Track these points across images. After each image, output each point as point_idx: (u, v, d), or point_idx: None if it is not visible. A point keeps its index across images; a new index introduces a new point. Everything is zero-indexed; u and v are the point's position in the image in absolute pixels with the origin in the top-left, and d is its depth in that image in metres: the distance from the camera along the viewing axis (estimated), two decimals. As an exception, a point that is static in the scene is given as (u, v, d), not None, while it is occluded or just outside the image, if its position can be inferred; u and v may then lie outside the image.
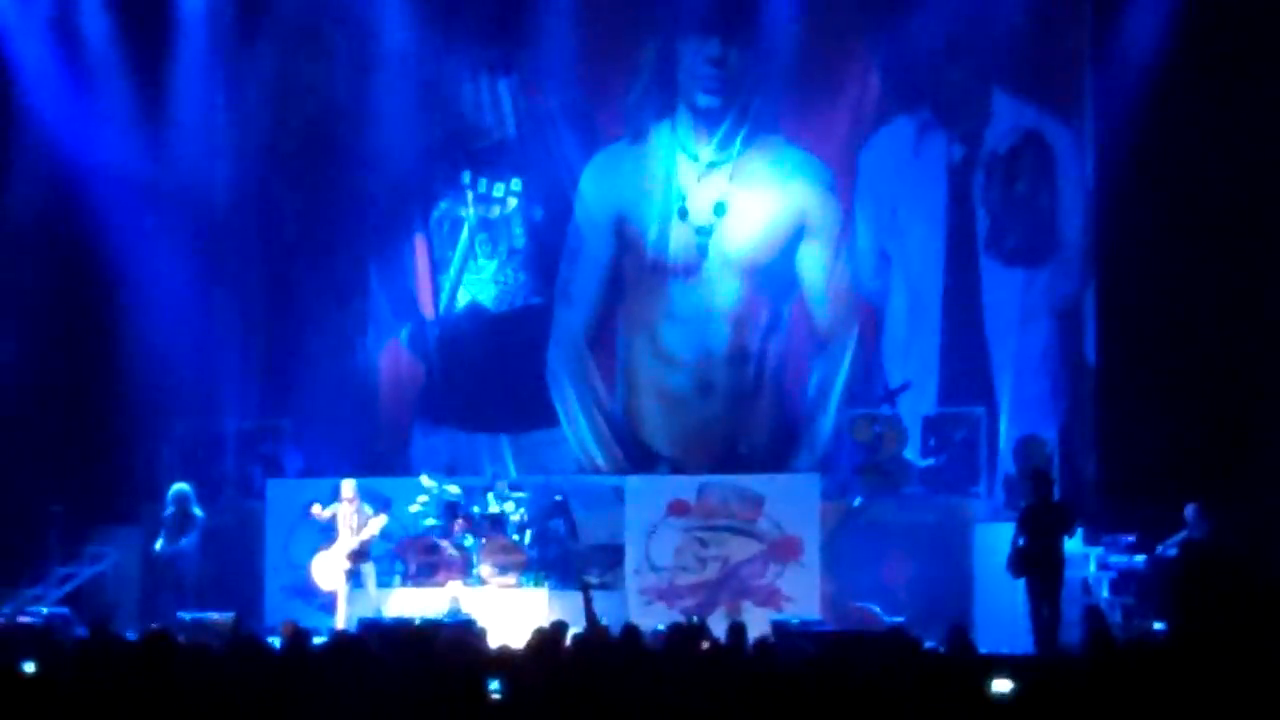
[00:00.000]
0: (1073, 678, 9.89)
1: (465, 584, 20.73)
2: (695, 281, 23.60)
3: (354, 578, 20.58)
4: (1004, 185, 22.70)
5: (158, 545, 21.23)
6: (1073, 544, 19.37)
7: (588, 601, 16.57)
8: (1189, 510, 18.66)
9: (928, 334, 22.76)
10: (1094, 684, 9.48)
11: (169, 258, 23.92)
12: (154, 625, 16.08)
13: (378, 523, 20.75)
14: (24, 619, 19.94)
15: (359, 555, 20.60)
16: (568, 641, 13.53)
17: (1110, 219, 21.55)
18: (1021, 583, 18.43)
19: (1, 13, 23.64)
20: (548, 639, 13.17)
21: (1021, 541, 18.34)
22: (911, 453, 21.87)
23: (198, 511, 21.28)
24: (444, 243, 24.61)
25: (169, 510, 21.41)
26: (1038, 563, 18.24)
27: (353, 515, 20.64)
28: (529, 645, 12.80)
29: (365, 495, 21.03)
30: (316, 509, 20.78)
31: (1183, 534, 18.86)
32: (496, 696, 10.41)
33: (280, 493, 22.70)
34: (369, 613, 19.97)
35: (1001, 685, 9.87)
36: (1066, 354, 22.12)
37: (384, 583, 20.92)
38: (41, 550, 22.12)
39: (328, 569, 20.67)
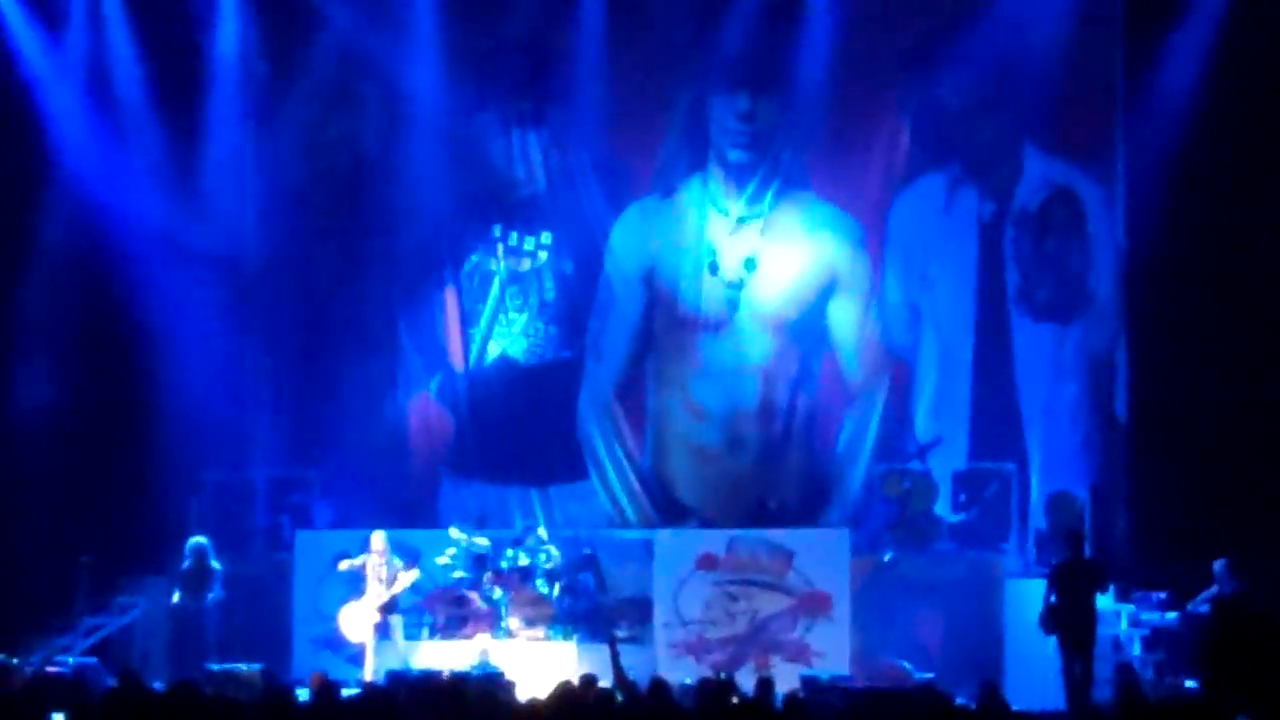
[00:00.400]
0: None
1: (493, 637, 20.69)
2: (725, 336, 23.60)
3: (382, 630, 20.58)
4: (1035, 241, 22.71)
5: (175, 598, 21.24)
6: (1104, 601, 19.35)
7: (615, 655, 16.52)
8: (1218, 566, 18.55)
9: (958, 389, 22.74)
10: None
11: (200, 308, 23.94)
12: (181, 677, 15.99)
13: (409, 577, 20.76)
14: (52, 669, 19.91)
15: (388, 608, 20.59)
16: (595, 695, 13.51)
17: (1141, 274, 21.53)
18: (1053, 640, 18.36)
19: (35, 64, 23.73)
20: (573, 693, 13.14)
21: (1054, 599, 18.29)
22: (942, 508, 21.83)
23: (215, 564, 21.27)
24: (474, 295, 24.62)
25: (186, 564, 21.41)
26: (1070, 620, 18.18)
27: (382, 567, 20.66)
28: (554, 698, 12.77)
29: (394, 547, 21.05)
30: (345, 563, 20.80)
31: (1213, 590, 18.76)
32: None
33: (309, 544, 22.67)
34: (396, 664, 19.94)
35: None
36: (1098, 409, 22.08)
37: (412, 635, 20.92)
38: (70, 600, 22.07)
39: (356, 621, 20.66)
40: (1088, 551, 19.09)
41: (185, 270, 24.03)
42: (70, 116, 23.94)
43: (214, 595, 21.05)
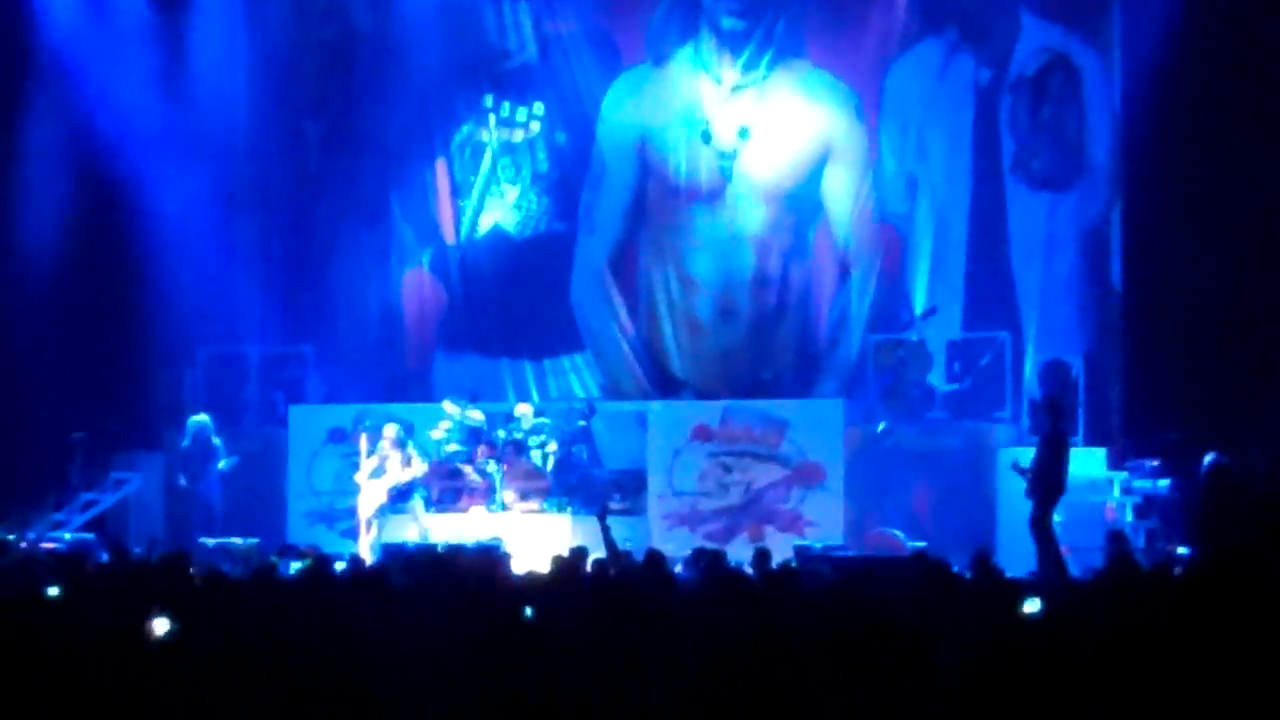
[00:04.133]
0: (1095, 600, 9.85)
1: (488, 510, 20.75)
2: (719, 206, 23.50)
3: (387, 509, 20.56)
4: (1031, 108, 22.56)
5: (181, 481, 21.35)
6: (1097, 468, 19.38)
7: (605, 529, 16.55)
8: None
9: (953, 258, 22.67)
10: (1116, 607, 9.44)
11: (190, 182, 23.81)
12: (172, 550, 16.03)
13: (423, 466, 20.76)
14: (48, 544, 19.98)
15: (401, 494, 20.59)
16: (588, 567, 13.55)
17: (1137, 143, 21.39)
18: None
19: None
20: (566, 565, 13.18)
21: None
22: (936, 378, 21.80)
23: (218, 442, 21.40)
24: (466, 167, 24.52)
25: (187, 442, 21.51)
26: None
27: (395, 454, 20.61)
28: (549, 571, 12.81)
29: (387, 420, 21.08)
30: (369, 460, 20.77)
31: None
32: (525, 620, 10.39)
33: (303, 418, 22.73)
34: (417, 537, 20.00)
35: (1031, 606, 10.00)
36: (1092, 279, 22.01)
37: (400, 509, 20.87)
38: (65, 476, 22.15)
39: (369, 499, 20.65)
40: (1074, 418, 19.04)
41: (176, 146, 23.86)
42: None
43: (214, 470, 21.18)
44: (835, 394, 22.38)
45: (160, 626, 9.68)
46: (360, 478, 20.67)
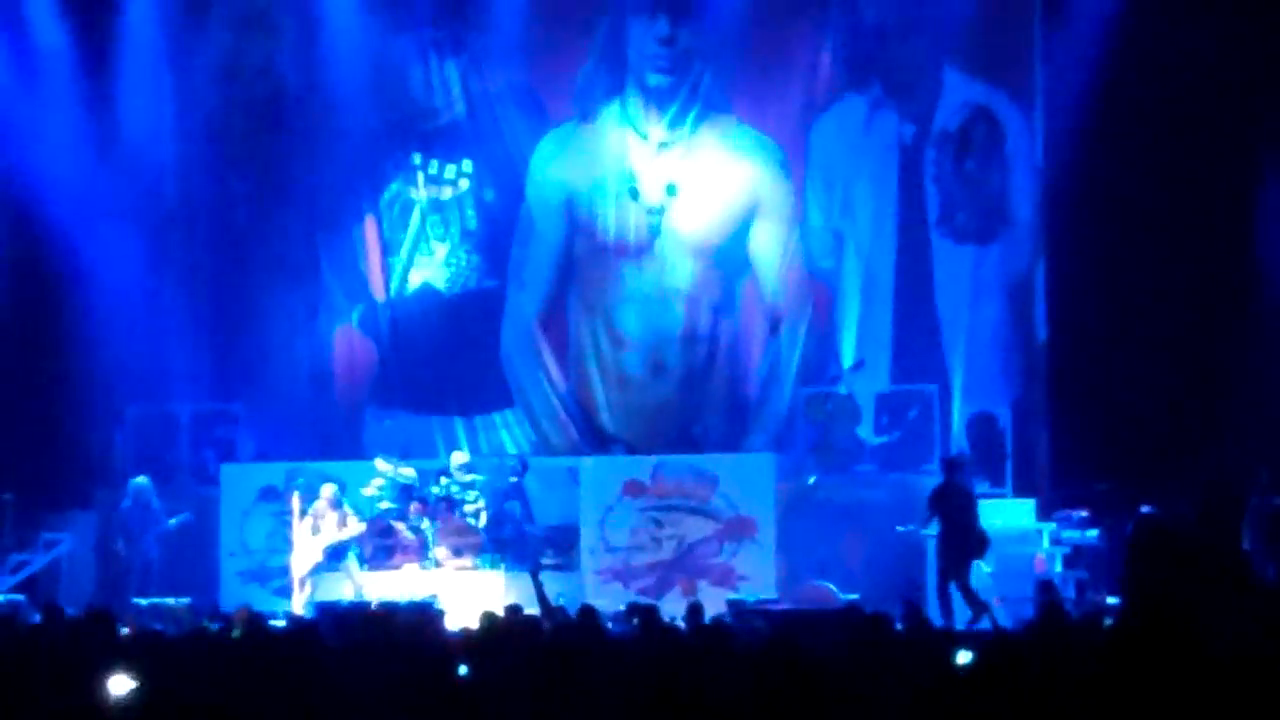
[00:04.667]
0: (1026, 651, 9.94)
1: (421, 567, 20.73)
2: (647, 262, 23.58)
3: (322, 568, 20.55)
4: (955, 162, 22.76)
5: (119, 543, 21.32)
6: (1025, 519, 19.58)
7: (538, 585, 16.57)
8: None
9: (880, 312, 22.80)
10: (1046, 657, 9.53)
11: (119, 241, 23.72)
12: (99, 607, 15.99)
13: (358, 527, 20.76)
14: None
15: (336, 553, 20.59)
16: (521, 623, 13.56)
17: (1060, 195, 21.64)
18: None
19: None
20: (499, 623, 13.20)
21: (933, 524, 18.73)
22: (865, 430, 21.93)
23: (157, 504, 21.37)
24: (395, 224, 24.52)
25: (127, 503, 21.47)
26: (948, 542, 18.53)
27: (331, 514, 20.64)
28: (480, 629, 12.82)
29: (319, 478, 21.09)
30: (302, 521, 20.78)
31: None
32: (459, 678, 10.41)
33: (234, 477, 22.66)
34: (351, 594, 19.99)
35: (964, 657, 10.06)
36: (1018, 331, 22.21)
37: (334, 567, 20.84)
38: (-5, 537, 22.05)
39: (303, 557, 20.62)
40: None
41: (104, 204, 23.81)
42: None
43: (174, 523, 21.16)
44: (765, 448, 22.46)
45: (119, 685, 9.66)
46: (295, 536, 20.65)
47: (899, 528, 19.63)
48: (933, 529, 18.95)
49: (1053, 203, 21.84)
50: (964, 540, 18.55)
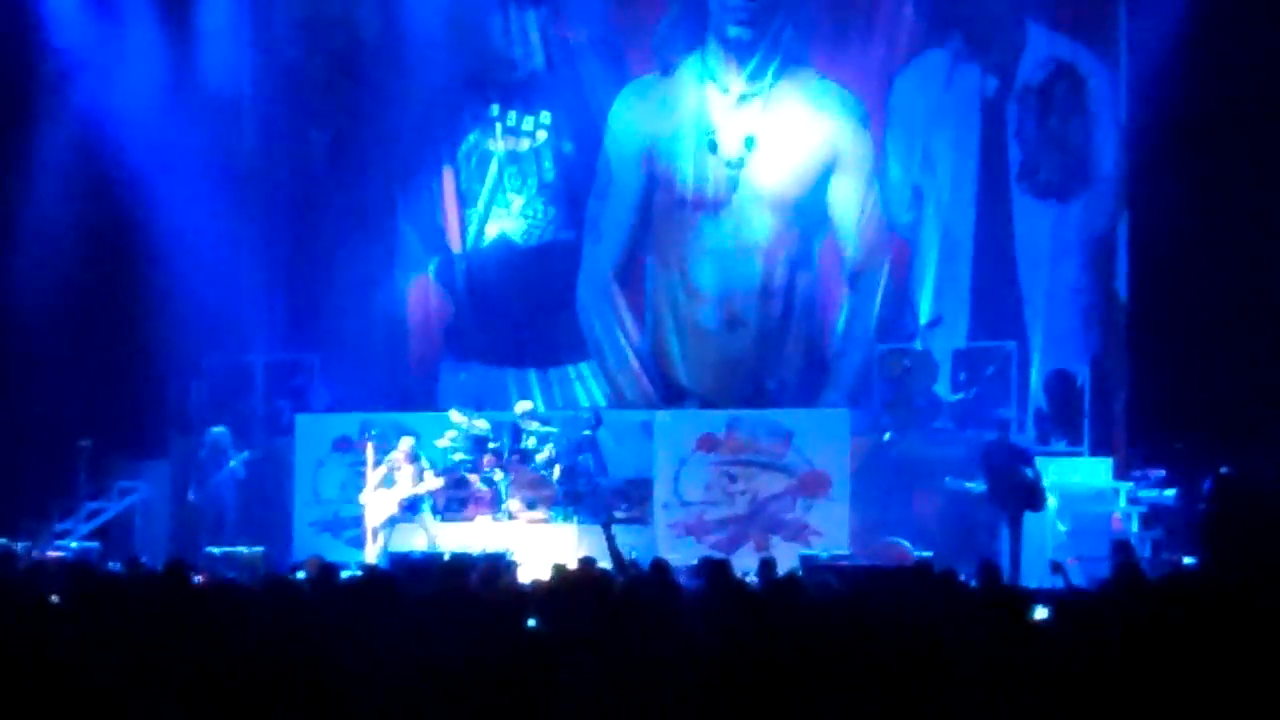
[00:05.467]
0: (1101, 611, 9.83)
1: (494, 519, 20.74)
2: (725, 215, 23.51)
3: (395, 519, 20.57)
4: (1037, 118, 22.57)
5: (191, 493, 21.42)
6: (1103, 478, 19.43)
7: (610, 538, 16.53)
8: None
9: (959, 268, 22.68)
10: (1122, 616, 9.42)
11: (197, 191, 23.80)
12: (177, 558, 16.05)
13: (435, 482, 20.76)
14: (53, 553, 19.97)
15: (412, 505, 20.60)
16: (594, 576, 13.50)
17: (1143, 152, 21.39)
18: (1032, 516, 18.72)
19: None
20: (571, 576, 13.14)
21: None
22: (941, 387, 21.81)
23: (233, 454, 21.45)
24: (472, 176, 24.54)
25: (203, 452, 21.57)
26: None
27: (408, 467, 20.63)
28: (553, 582, 12.78)
29: (393, 429, 21.08)
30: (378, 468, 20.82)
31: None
32: (529, 630, 10.38)
33: (308, 427, 22.71)
34: (425, 546, 20.01)
35: (1039, 614, 10.01)
36: (1098, 288, 22.02)
37: (409, 518, 20.86)
38: (70, 485, 22.16)
39: (378, 507, 20.64)
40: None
41: (183, 156, 23.85)
42: (64, 6, 23.75)
43: (235, 464, 21.25)
44: (841, 403, 22.37)
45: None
46: (368, 487, 20.68)
47: (947, 479, 19.58)
48: (979, 485, 19.00)
49: (1136, 159, 21.62)
50: (1012, 496, 18.64)
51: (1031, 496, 18.91)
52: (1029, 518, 18.87)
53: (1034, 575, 17.72)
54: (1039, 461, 19.31)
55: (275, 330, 24.06)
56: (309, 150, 24.90)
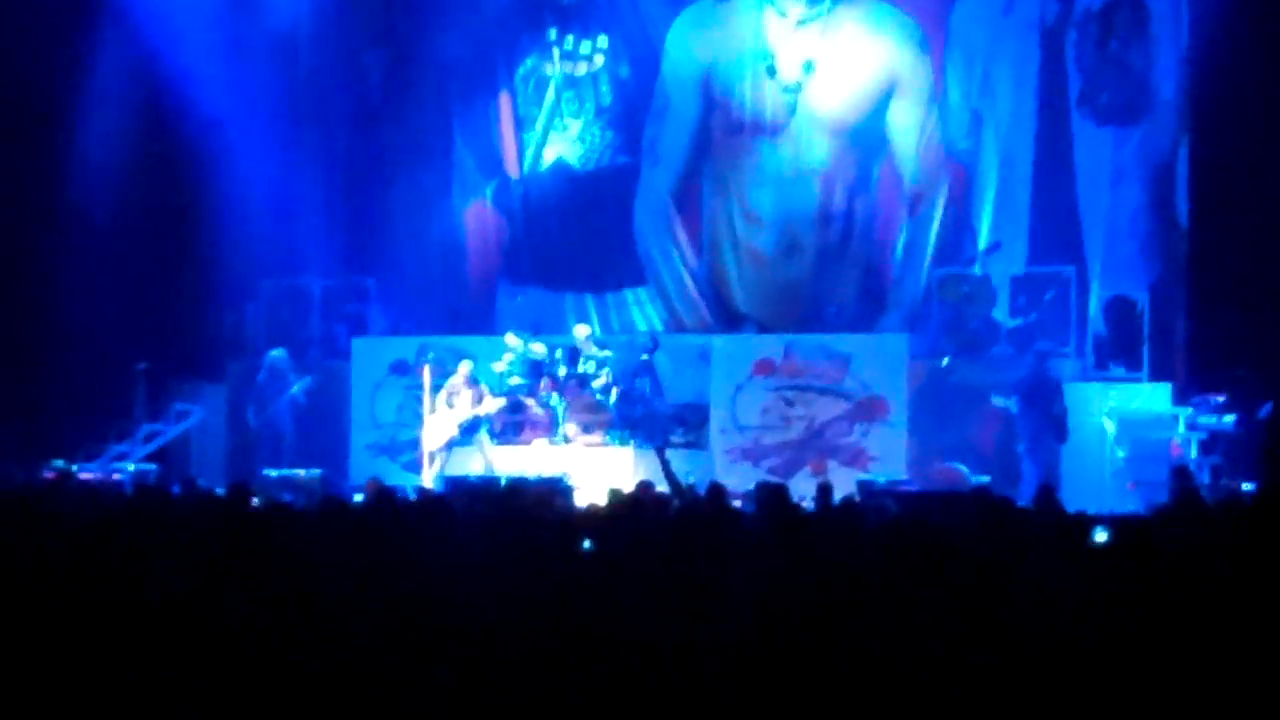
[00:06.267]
0: (1161, 534, 9.79)
1: (550, 443, 20.76)
2: (783, 140, 23.39)
3: (454, 443, 20.61)
4: (1097, 43, 22.37)
5: (250, 415, 21.53)
6: (1162, 404, 19.38)
7: (665, 463, 16.54)
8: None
9: (1018, 193, 22.53)
10: (1182, 540, 9.39)
11: (253, 115, 23.81)
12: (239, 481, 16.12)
13: (495, 403, 20.78)
14: (112, 475, 20.11)
15: (470, 428, 20.62)
16: (651, 500, 13.53)
17: (1205, 77, 21.19)
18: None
19: None
20: (628, 499, 13.17)
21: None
22: (1000, 312, 21.72)
23: (293, 377, 21.54)
24: (529, 101, 24.48)
25: (262, 376, 21.65)
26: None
27: (466, 390, 20.64)
28: (610, 505, 12.81)
29: (449, 353, 21.09)
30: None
31: None
32: (584, 552, 10.39)
33: (365, 351, 22.76)
34: (482, 470, 20.05)
35: (1099, 537, 9.97)
36: (1158, 214, 21.85)
37: (467, 442, 20.87)
38: (127, 408, 22.27)
39: (435, 432, 20.67)
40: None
41: (239, 80, 23.83)
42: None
43: (297, 390, 21.34)
44: (899, 328, 22.32)
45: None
46: (425, 410, 20.72)
47: (993, 396, 19.92)
48: (1013, 404, 19.43)
49: (1197, 85, 21.41)
50: (1044, 423, 18.99)
51: (1059, 429, 19.16)
52: (1086, 444, 18.85)
53: (1088, 499, 17.64)
54: (1098, 388, 19.23)
55: (332, 254, 24.04)
56: (365, 73, 24.88)
